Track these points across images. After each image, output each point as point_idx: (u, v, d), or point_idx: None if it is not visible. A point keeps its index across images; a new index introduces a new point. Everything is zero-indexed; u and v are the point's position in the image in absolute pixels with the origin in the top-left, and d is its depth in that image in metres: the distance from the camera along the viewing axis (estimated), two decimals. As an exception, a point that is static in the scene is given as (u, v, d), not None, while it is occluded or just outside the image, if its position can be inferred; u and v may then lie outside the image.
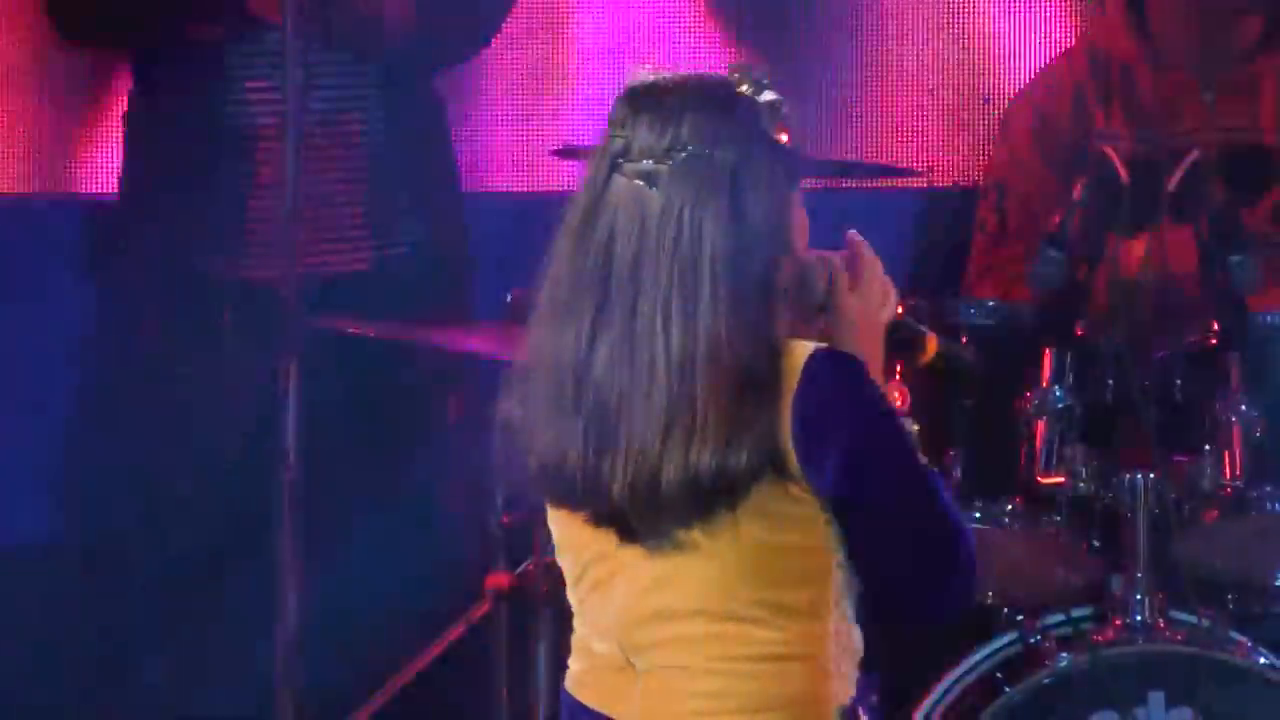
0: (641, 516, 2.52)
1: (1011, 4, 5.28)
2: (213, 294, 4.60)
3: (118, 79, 4.88)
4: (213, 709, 4.73)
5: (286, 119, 4.14)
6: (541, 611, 3.92)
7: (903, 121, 5.21)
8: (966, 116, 5.22)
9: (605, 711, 2.61)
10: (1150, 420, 4.12)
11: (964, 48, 5.30)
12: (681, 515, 2.51)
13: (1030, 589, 4.22)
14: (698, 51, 5.27)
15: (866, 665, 2.64)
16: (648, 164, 2.52)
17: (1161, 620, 4.11)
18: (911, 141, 5.19)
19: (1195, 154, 4.17)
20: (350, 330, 4.25)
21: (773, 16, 5.31)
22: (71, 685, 5.05)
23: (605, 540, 2.58)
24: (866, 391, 2.54)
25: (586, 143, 5.15)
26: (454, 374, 4.59)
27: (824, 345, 2.56)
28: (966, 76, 5.28)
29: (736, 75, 2.58)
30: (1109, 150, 4.18)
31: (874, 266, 2.66)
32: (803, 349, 2.53)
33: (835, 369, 2.54)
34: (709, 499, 2.50)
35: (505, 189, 5.40)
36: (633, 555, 2.57)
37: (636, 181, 2.52)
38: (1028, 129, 4.65)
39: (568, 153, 4.61)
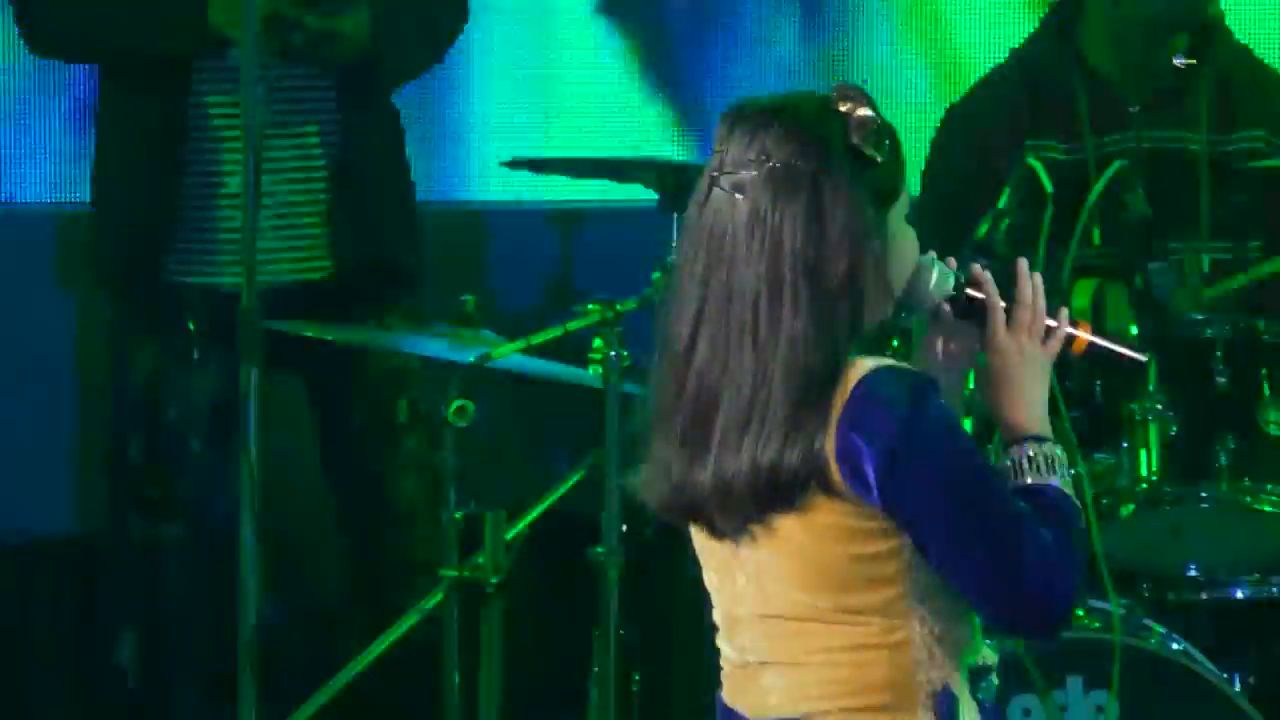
0: (718, 510, 2.61)
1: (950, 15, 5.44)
2: (181, 302, 4.68)
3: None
4: (178, 694, 4.82)
5: (246, 132, 4.22)
6: (490, 601, 4.01)
7: None
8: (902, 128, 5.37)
9: (734, 706, 2.73)
10: (1070, 420, 4.26)
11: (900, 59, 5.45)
12: (748, 511, 2.59)
13: None
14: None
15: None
16: (738, 174, 2.61)
17: (1080, 609, 4.14)
18: None
19: (1116, 166, 4.25)
20: (309, 334, 4.32)
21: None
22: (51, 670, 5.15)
23: (715, 548, 2.68)
24: (915, 408, 2.56)
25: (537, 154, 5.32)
26: (406, 376, 4.67)
27: (889, 363, 2.60)
28: (901, 89, 5.41)
29: (835, 93, 2.65)
30: (1034, 162, 4.24)
31: (1029, 300, 2.70)
32: (863, 366, 2.58)
33: (886, 386, 2.58)
34: (769, 497, 2.57)
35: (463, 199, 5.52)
36: (729, 560, 2.66)
37: (731, 193, 2.61)
38: (961, 141, 4.73)
39: (516, 164, 4.75)
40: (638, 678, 4.25)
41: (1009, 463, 2.67)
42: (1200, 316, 4.29)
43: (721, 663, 2.76)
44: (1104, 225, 4.32)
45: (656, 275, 4.08)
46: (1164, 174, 4.57)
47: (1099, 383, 4.26)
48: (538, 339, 4.09)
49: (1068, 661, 4.10)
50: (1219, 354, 4.21)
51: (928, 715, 2.65)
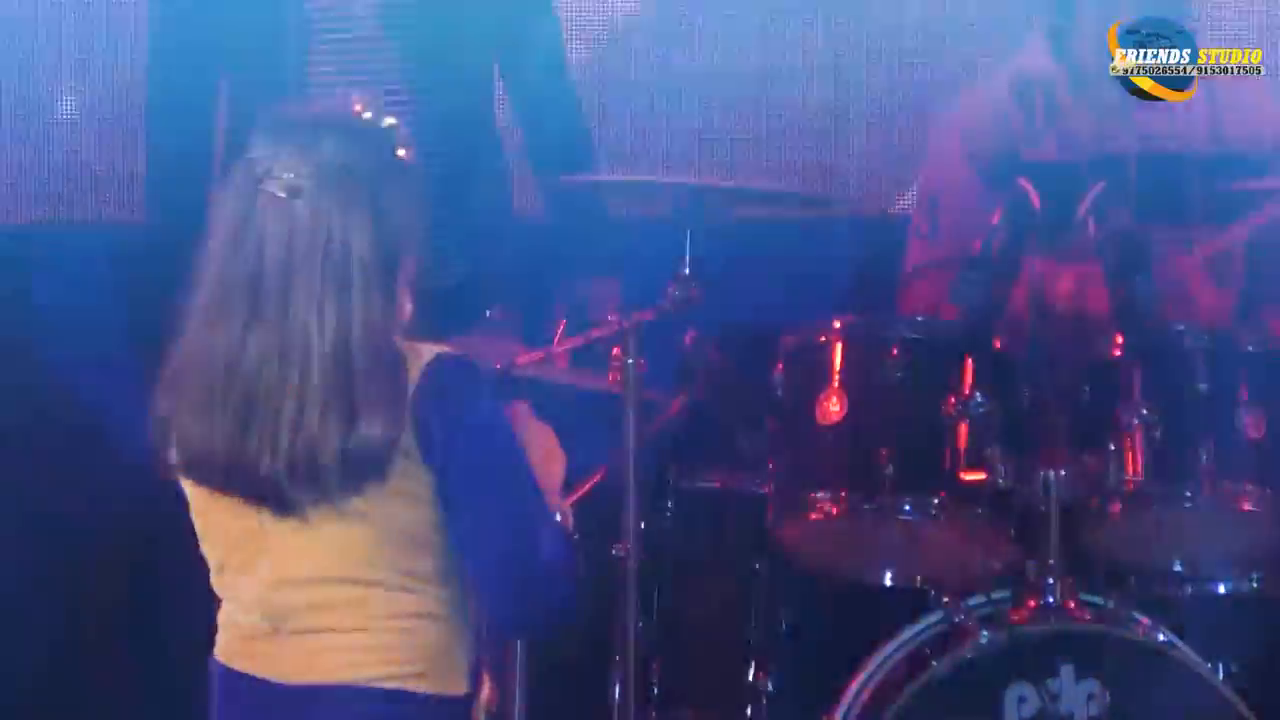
0: (301, 490, 2.72)
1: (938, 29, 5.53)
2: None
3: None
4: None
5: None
6: None
7: (829, 149, 5.44)
8: (893, 144, 5.47)
9: (258, 674, 2.81)
10: (1062, 423, 4.35)
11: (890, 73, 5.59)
12: (337, 486, 2.72)
13: (954, 574, 4.43)
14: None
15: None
16: (292, 178, 2.72)
17: (1072, 602, 4.33)
18: (838, 169, 5.42)
19: (1100, 185, 4.38)
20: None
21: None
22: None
23: (252, 521, 2.78)
24: (473, 397, 2.76)
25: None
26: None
27: (449, 349, 2.79)
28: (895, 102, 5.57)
29: (361, 104, 2.83)
30: (1024, 182, 4.39)
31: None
32: (429, 349, 2.77)
33: (456, 367, 2.77)
34: (359, 470, 2.71)
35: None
36: (280, 531, 2.77)
37: (282, 195, 2.72)
38: (955, 149, 4.82)
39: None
40: (656, 667, 4.43)
41: None
42: (1182, 327, 4.41)
43: (226, 633, 2.86)
44: (1089, 241, 4.44)
45: (672, 287, 4.26)
46: (1154, 171, 4.65)
47: (1087, 388, 4.40)
48: (560, 347, 4.24)
49: (1061, 651, 4.26)
50: (1200, 361, 4.34)
51: (463, 686, 2.82)
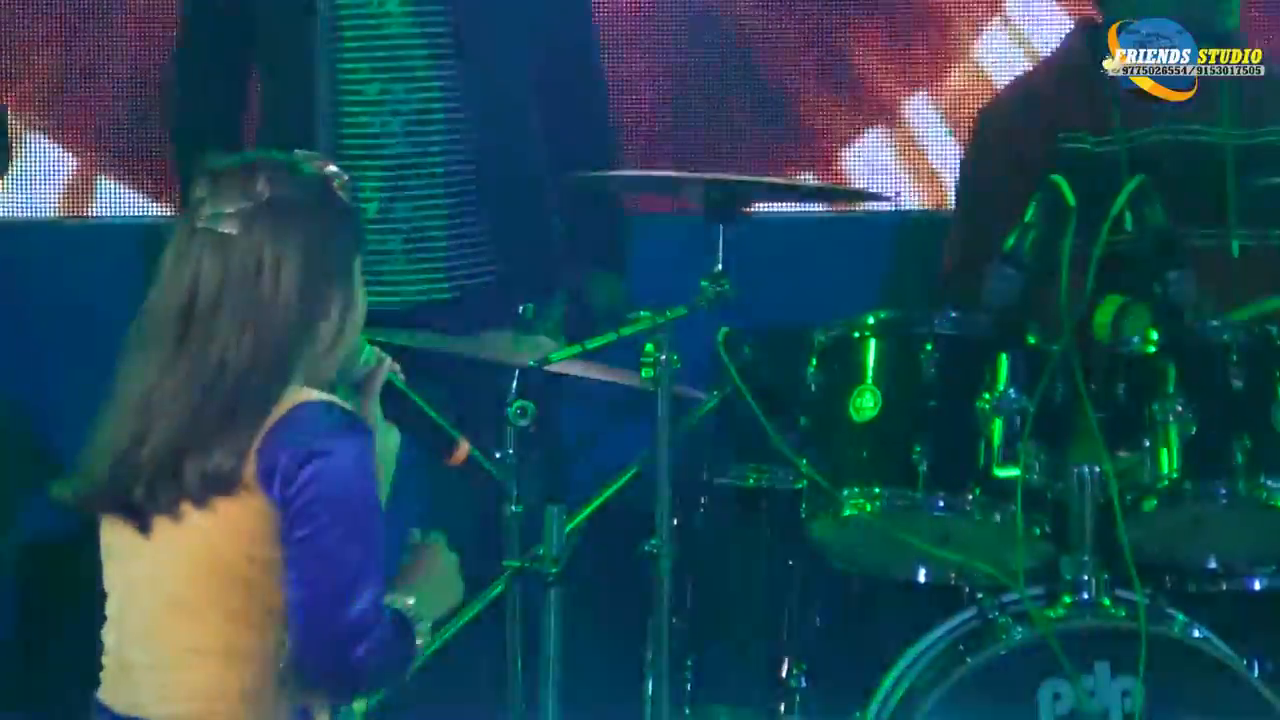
0: (155, 509, 2.75)
1: (980, 24, 5.51)
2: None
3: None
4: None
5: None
6: (550, 590, 4.14)
7: (873, 146, 5.44)
8: (937, 141, 5.47)
9: (107, 703, 2.83)
10: (1096, 419, 4.35)
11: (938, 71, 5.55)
12: (182, 507, 2.74)
13: (988, 570, 4.41)
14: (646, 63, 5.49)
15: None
16: (227, 212, 2.76)
17: (1106, 598, 4.34)
18: (882, 166, 5.41)
19: (1136, 181, 4.41)
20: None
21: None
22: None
23: (119, 539, 2.81)
24: (336, 434, 2.73)
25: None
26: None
27: (331, 398, 2.79)
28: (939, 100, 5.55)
29: (301, 155, 2.86)
30: (1058, 178, 4.40)
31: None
32: (306, 393, 2.77)
33: (319, 411, 2.76)
34: (203, 495, 2.73)
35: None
36: (131, 548, 2.79)
37: (219, 229, 2.75)
38: (996, 139, 4.84)
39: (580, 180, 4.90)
40: (689, 663, 4.45)
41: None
42: (1216, 323, 4.42)
43: (104, 659, 2.87)
44: (1125, 238, 4.44)
45: (704, 283, 4.27)
46: (1192, 165, 4.69)
47: (1121, 384, 4.41)
48: (593, 344, 4.25)
49: (1096, 649, 4.26)
50: (1234, 358, 4.35)
51: None
